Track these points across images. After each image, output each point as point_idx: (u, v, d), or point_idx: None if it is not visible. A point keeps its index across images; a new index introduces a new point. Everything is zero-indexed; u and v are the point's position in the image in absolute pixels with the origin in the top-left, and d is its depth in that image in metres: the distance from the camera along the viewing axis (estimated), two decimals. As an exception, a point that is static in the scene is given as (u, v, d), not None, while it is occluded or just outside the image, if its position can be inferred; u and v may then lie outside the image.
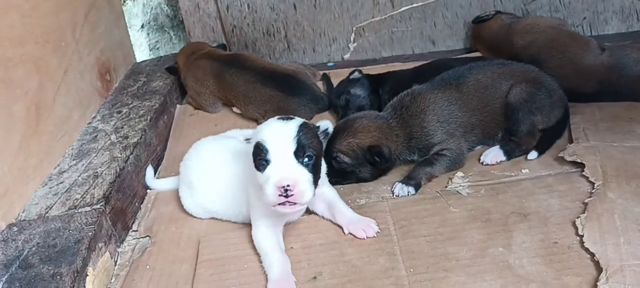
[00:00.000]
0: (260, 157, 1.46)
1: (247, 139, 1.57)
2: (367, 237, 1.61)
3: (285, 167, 1.44)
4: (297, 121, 1.53)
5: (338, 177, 1.87)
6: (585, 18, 2.75)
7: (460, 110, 1.92)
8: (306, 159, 1.47)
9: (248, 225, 1.68)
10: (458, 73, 1.98)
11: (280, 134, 1.47)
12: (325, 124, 1.61)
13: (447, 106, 1.92)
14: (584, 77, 2.12)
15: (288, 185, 1.41)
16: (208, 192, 1.78)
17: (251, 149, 1.52)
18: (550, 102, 1.94)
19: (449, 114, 1.92)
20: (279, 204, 1.44)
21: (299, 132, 1.47)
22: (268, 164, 1.45)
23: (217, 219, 1.82)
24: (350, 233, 1.64)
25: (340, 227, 1.66)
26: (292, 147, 1.45)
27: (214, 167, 1.78)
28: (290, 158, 1.45)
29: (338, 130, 1.88)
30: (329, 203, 1.68)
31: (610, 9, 2.73)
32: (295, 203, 1.44)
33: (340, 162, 1.87)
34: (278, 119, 1.55)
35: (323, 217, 1.72)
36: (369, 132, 1.88)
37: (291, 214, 1.63)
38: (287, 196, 1.42)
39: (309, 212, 1.74)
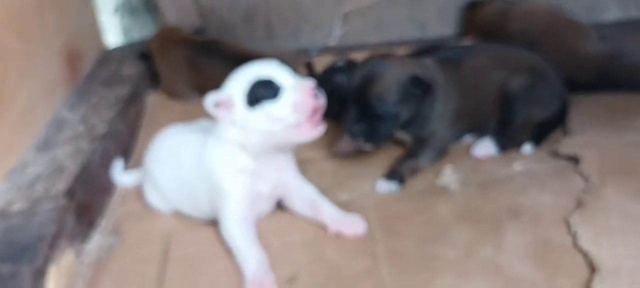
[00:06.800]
0: (269, 89, 1.46)
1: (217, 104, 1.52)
2: (354, 235, 1.56)
3: (302, 80, 1.49)
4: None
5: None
6: (583, 4, 2.68)
7: (454, 92, 1.85)
8: None
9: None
10: (457, 53, 1.94)
11: (279, 67, 1.51)
12: None
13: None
14: (581, 66, 2.09)
15: (315, 86, 1.46)
16: (166, 185, 1.73)
17: (240, 97, 1.49)
18: (550, 95, 1.89)
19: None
20: (311, 124, 1.48)
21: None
22: (281, 89, 1.46)
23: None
24: (337, 232, 1.58)
25: (323, 225, 1.60)
26: (292, 73, 1.51)
27: (173, 160, 1.71)
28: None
29: None
30: (310, 200, 1.63)
31: (610, -5, 2.69)
32: (320, 124, 1.49)
33: None
34: (257, 63, 1.55)
35: (303, 216, 1.66)
36: None
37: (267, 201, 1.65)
38: (317, 97, 1.46)
39: (285, 208, 1.69)
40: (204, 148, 1.61)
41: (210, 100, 1.50)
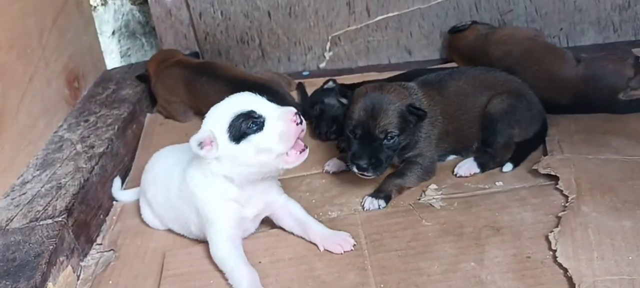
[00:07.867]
0: (252, 122, 1.46)
1: (200, 144, 1.49)
2: (344, 252, 1.58)
3: (282, 108, 1.49)
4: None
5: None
6: (561, 29, 2.74)
7: (438, 115, 1.89)
8: None
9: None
10: (439, 77, 1.96)
11: (256, 98, 1.51)
12: None
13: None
14: (559, 89, 2.11)
15: (296, 112, 1.46)
16: (158, 205, 1.75)
17: (220, 134, 1.48)
18: (530, 116, 1.93)
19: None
20: (296, 150, 1.48)
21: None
22: (264, 119, 1.46)
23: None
24: (326, 249, 1.59)
25: (312, 243, 1.62)
26: (268, 101, 1.51)
27: (164, 180, 1.73)
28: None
29: None
30: (298, 220, 1.65)
31: (587, 20, 2.72)
32: (305, 148, 1.50)
33: None
34: (234, 96, 1.55)
35: (292, 233, 1.67)
36: None
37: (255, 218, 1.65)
38: (301, 123, 1.46)
39: (275, 226, 1.71)
40: (185, 177, 1.60)
41: (194, 140, 1.48)
